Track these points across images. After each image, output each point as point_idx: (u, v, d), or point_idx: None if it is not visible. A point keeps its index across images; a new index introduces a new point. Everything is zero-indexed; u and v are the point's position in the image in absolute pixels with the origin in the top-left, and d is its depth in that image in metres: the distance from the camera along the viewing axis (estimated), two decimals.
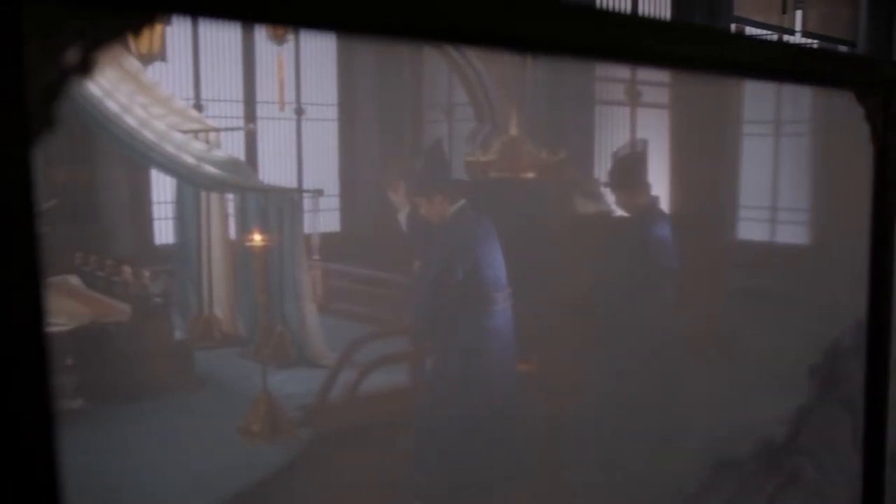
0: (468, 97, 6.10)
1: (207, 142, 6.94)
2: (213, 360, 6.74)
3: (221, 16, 0.83)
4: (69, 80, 0.78)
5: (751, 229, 8.83)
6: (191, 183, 6.75)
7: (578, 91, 7.11)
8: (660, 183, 8.51)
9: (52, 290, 6.68)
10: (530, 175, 5.47)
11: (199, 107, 9.01)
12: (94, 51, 0.77)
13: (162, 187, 8.68)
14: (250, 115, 9.42)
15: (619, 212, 4.70)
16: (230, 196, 7.21)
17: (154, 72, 8.49)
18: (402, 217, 4.29)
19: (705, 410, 4.21)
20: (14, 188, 0.75)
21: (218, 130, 7.12)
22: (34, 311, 0.73)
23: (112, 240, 8.39)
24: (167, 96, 6.78)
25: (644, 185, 4.57)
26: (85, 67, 0.77)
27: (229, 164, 6.66)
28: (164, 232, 8.90)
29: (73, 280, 7.12)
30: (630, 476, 4.09)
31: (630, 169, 4.50)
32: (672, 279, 4.58)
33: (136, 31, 0.77)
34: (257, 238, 5.04)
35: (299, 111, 9.82)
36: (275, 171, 9.75)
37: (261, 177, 9.54)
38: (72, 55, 0.77)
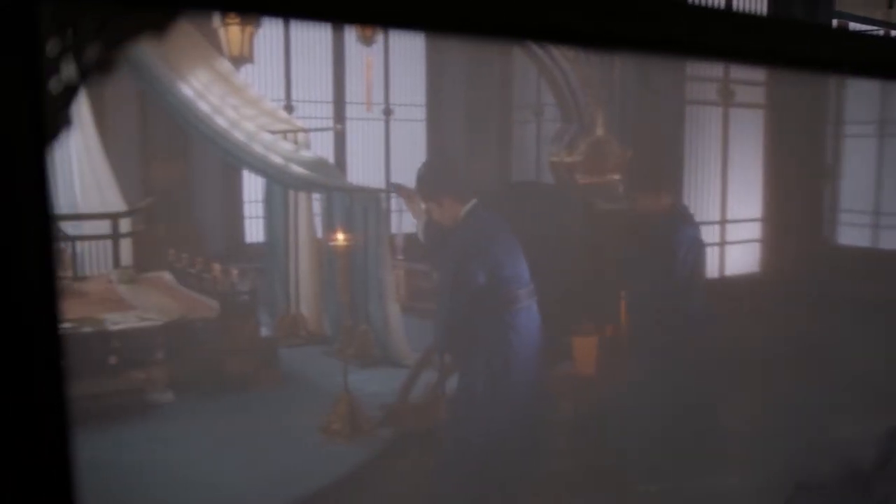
0: (554, 97, 6.01)
1: (296, 142, 7.04)
2: (299, 357, 6.83)
3: (245, 11, 0.80)
4: (89, 79, 0.76)
5: (850, 234, 8.46)
6: (278, 182, 6.86)
7: (668, 91, 6.94)
8: (753, 185, 8.24)
9: (145, 285, 6.88)
10: (616, 176, 5.35)
11: (289, 108, 9.17)
12: (114, 49, 0.74)
13: (253, 186, 8.86)
14: (339, 116, 9.53)
15: (643, 215, 4.54)
16: (317, 195, 7.29)
17: (246, 73, 8.68)
18: (420, 228, 4.21)
19: (786, 427, 4.03)
20: (30, 186, 0.74)
21: (306, 131, 7.21)
22: (48, 306, 0.71)
23: (204, 237, 8.61)
24: (257, 97, 6.90)
25: (665, 187, 4.44)
26: (105, 66, 0.75)
27: (316, 164, 6.74)
28: (254, 230, 9.08)
29: (167, 276, 7.33)
30: (697, 494, 3.94)
31: (648, 170, 4.39)
32: (703, 282, 4.45)
33: (158, 29, 0.74)
34: (340, 237, 5.08)
35: (388, 111, 9.88)
36: (363, 171, 9.83)
37: (349, 177, 9.65)
38: (91, 53, 0.75)
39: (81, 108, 7.29)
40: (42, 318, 0.71)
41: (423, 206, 4.09)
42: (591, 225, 4.71)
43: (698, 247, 4.42)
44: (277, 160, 6.43)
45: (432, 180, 3.99)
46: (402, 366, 6.27)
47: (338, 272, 5.29)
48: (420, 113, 10.18)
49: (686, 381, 4.21)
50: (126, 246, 7.54)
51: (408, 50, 9.89)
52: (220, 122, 6.32)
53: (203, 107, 6.27)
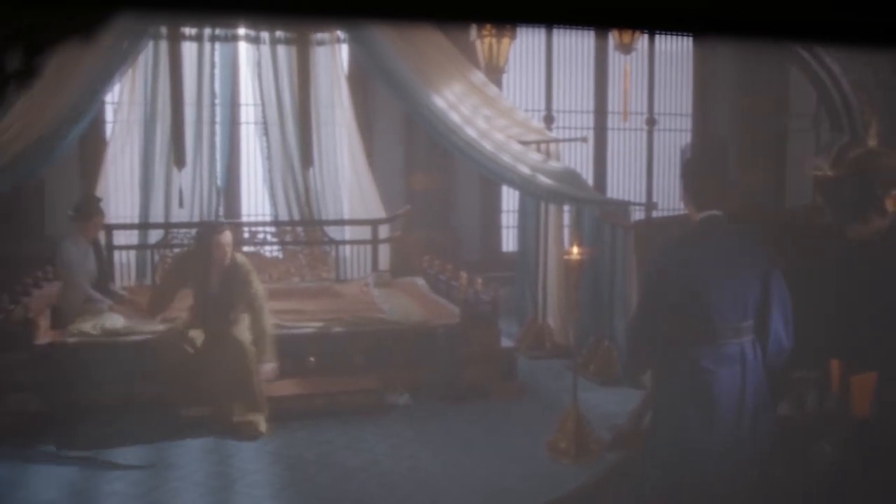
0: (823, 104, 5.45)
1: (547, 153, 6.99)
2: (541, 370, 6.76)
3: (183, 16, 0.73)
4: (9, 89, 0.73)
5: None
6: (524, 192, 6.85)
7: None
8: None
9: (398, 289, 7.14)
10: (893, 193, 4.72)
11: (549, 118, 9.14)
12: (36, 56, 0.70)
13: (511, 196, 8.93)
14: (600, 126, 9.36)
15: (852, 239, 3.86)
16: (567, 207, 7.18)
17: (508, 84, 8.78)
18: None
19: None
20: None
21: (556, 141, 7.15)
22: None
23: (460, 245, 8.80)
24: (509, 108, 6.93)
25: (876, 203, 3.74)
26: (27, 75, 0.71)
27: (565, 175, 6.63)
28: (511, 239, 9.16)
29: (419, 282, 7.58)
30: None
31: (851, 189, 3.73)
32: None
33: (87, 33, 0.69)
34: (574, 251, 4.93)
35: (650, 121, 9.54)
36: (623, 182, 9.58)
37: (609, 189, 9.45)
38: (12, 61, 0.71)
39: (348, 119, 7.75)
40: None
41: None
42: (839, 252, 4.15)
43: None
44: (525, 170, 6.41)
45: (684, 180, 3.67)
46: (642, 387, 5.98)
47: (570, 287, 5.13)
48: (686, 123, 9.73)
49: None
50: (384, 251, 7.90)
51: (673, 57, 9.50)
52: (470, 132, 6.42)
53: (454, 118, 6.39)
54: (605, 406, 5.87)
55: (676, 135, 9.68)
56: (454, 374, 6.01)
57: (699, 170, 3.56)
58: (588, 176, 9.45)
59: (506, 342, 6.53)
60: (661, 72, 9.51)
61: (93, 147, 7.47)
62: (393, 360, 6.01)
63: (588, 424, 5.03)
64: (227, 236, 5.59)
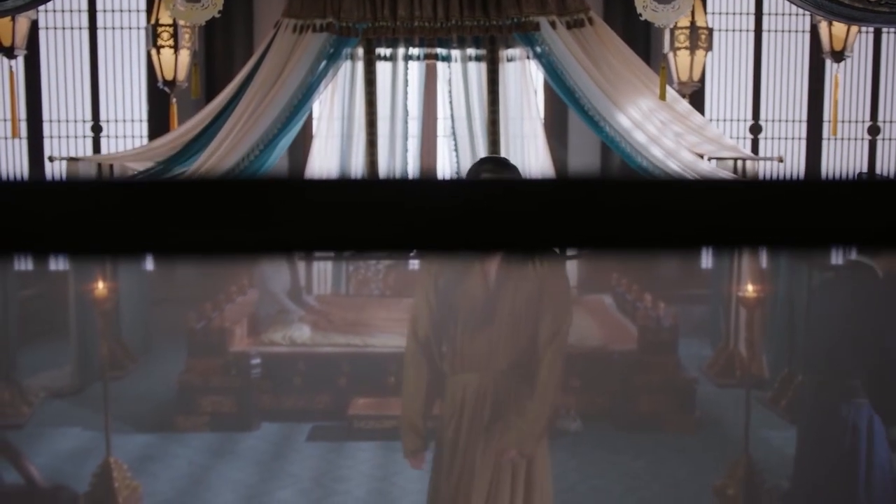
0: None
1: (744, 172, 6.62)
2: (728, 400, 6.41)
3: None
4: None
5: None
6: None
7: None
8: None
9: (582, 307, 7.02)
10: None
11: (756, 127, 8.63)
12: None
13: None
14: (814, 136, 8.70)
15: None
16: None
17: (710, 93, 8.38)
18: None
19: None
20: None
21: (753, 159, 6.75)
22: None
23: (653, 262, 8.50)
24: (701, 123, 6.61)
25: None
26: None
27: None
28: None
29: (607, 300, 7.41)
30: None
31: None
32: None
33: None
34: (749, 290, 4.63)
35: (874, 130, 8.75)
36: None
37: None
38: None
39: (538, 131, 7.72)
40: None
41: None
42: None
43: None
44: None
45: None
46: None
47: (742, 325, 4.84)
48: None
49: None
50: (571, 267, 7.79)
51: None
52: (656, 152, 6.19)
53: (639, 137, 6.20)
54: (791, 448, 5.47)
55: None
56: (628, 403, 5.85)
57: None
58: None
59: (692, 368, 6.25)
60: (888, 73, 8.68)
61: (300, 162, 7.94)
62: (567, 385, 5.92)
63: (761, 472, 4.72)
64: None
